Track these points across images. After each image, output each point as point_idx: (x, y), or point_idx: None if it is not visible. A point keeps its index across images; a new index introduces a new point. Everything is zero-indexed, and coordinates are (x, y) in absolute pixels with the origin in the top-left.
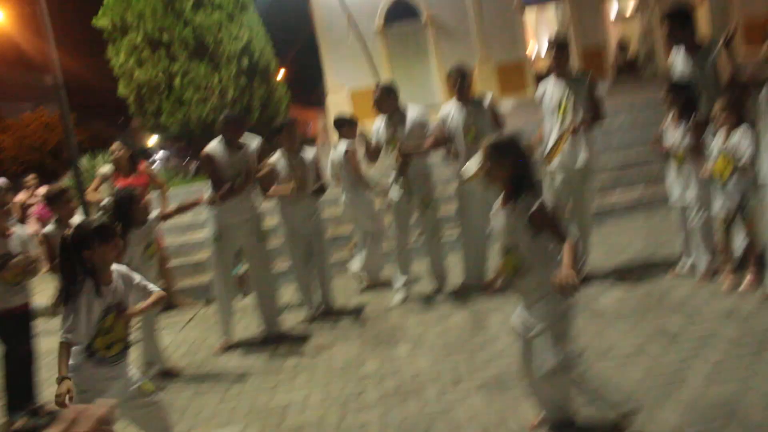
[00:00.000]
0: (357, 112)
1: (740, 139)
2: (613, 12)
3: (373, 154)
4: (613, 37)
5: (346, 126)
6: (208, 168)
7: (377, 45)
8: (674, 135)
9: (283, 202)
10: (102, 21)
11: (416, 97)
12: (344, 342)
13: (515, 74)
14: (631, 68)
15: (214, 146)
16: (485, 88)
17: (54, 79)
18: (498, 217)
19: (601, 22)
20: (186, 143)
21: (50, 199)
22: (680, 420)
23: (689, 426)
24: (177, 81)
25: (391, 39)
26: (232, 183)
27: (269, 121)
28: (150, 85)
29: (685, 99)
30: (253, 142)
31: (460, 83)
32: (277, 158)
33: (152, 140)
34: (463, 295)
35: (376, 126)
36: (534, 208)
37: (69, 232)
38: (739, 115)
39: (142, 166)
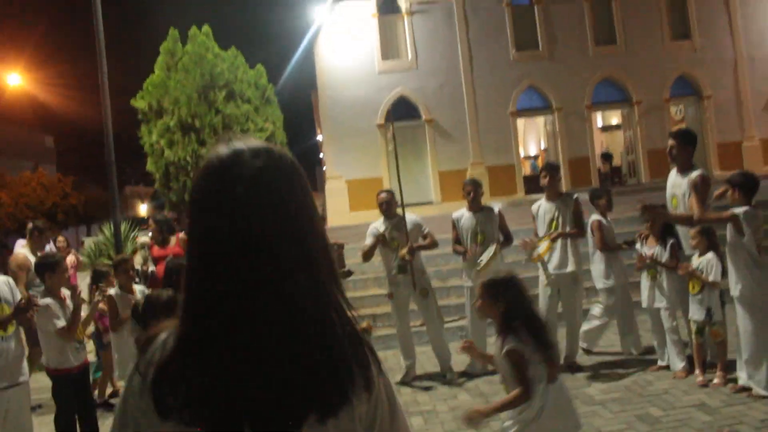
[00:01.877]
0: (351, 199)
1: (708, 261)
2: (598, 121)
3: (369, 252)
4: (598, 146)
5: None
6: None
7: (377, 139)
8: (651, 250)
9: None
10: (140, 103)
11: (412, 194)
12: None
13: (506, 177)
14: (616, 177)
15: None
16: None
17: (107, 155)
18: (495, 346)
19: (587, 133)
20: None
21: (114, 267)
22: None
23: None
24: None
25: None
26: None
27: None
28: (178, 164)
29: (663, 222)
30: None
31: (473, 194)
32: None
33: (143, 208)
34: (467, 377)
35: (374, 226)
36: (510, 347)
37: (140, 301)
38: (710, 241)
39: (177, 236)
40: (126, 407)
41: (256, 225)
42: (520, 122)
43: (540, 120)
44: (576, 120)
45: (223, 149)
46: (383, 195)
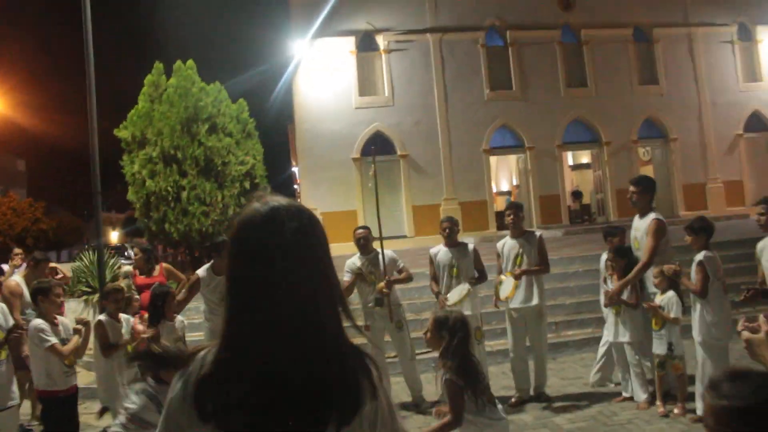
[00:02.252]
0: (326, 231)
1: (669, 298)
2: (569, 160)
3: (349, 288)
4: (569, 184)
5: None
6: (195, 286)
7: (353, 173)
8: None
9: None
10: (123, 133)
11: (386, 227)
12: None
13: (478, 212)
14: (585, 215)
15: (203, 270)
16: None
17: (93, 185)
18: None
19: (558, 171)
20: (184, 248)
21: (106, 295)
22: None
23: None
24: (184, 194)
25: (366, 168)
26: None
27: None
28: (159, 194)
29: (626, 263)
30: None
31: (449, 230)
32: None
33: (115, 235)
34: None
35: (351, 261)
36: (447, 377)
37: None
38: (671, 280)
39: (161, 266)
40: (169, 412)
41: (289, 273)
42: (493, 159)
43: (512, 157)
44: (547, 159)
45: (263, 207)
46: (360, 231)
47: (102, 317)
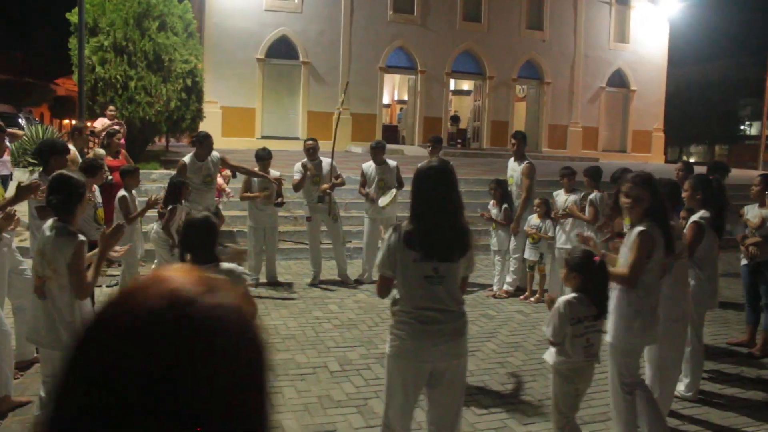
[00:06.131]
0: (225, 124)
1: (547, 223)
2: (451, 85)
3: (299, 185)
4: (450, 110)
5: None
6: (181, 171)
7: (255, 73)
8: (494, 212)
9: (252, 205)
10: (74, 17)
11: (281, 128)
12: (290, 300)
13: (368, 124)
14: (461, 139)
15: (187, 158)
16: (341, 133)
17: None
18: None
19: (443, 96)
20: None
21: (123, 174)
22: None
23: None
24: (132, 84)
25: (268, 71)
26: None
27: (194, 129)
28: (108, 81)
29: (502, 191)
30: (215, 154)
31: (375, 152)
32: (247, 179)
33: None
34: (359, 283)
35: (300, 164)
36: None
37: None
38: (547, 209)
39: (122, 151)
40: (389, 247)
41: (442, 190)
42: (387, 76)
43: (404, 80)
44: (435, 83)
45: (431, 163)
46: (310, 143)
47: (123, 193)
